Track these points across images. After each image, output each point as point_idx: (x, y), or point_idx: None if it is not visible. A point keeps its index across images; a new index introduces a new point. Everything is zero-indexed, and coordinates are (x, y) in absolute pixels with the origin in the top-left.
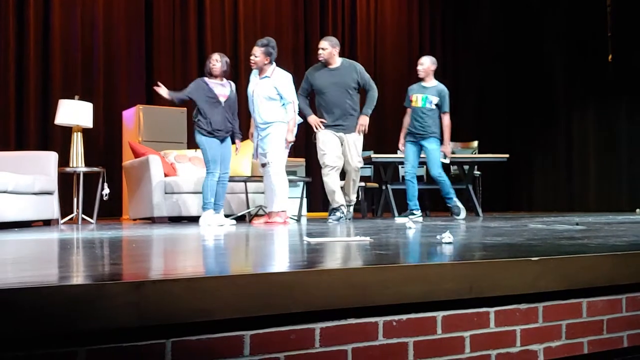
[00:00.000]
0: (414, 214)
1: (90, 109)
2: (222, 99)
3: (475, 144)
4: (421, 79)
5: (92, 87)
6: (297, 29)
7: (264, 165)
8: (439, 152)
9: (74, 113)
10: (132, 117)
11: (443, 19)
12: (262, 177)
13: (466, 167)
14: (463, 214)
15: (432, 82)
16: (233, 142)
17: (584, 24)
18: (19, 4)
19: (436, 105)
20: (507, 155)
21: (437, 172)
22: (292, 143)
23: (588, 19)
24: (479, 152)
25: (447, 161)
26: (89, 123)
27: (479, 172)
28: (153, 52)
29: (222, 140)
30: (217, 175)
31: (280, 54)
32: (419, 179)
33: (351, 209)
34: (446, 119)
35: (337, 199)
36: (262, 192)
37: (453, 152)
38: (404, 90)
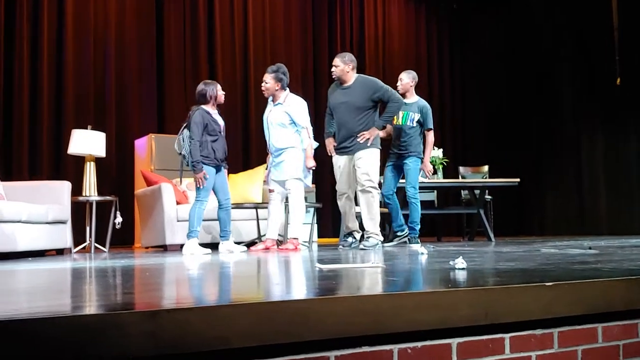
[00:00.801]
0: (397, 236)
1: (103, 139)
2: (222, 130)
3: (486, 168)
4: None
5: (104, 117)
6: (306, 55)
7: (271, 190)
8: (419, 172)
9: (87, 143)
10: (144, 146)
11: (451, 47)
12: None
13: (477, 191)
14: (418, 247)
15: (413, 98)
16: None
17: (592, 45)
18: (33, 34)
19: (418, 122)
20: (518, 180)
21: (412, 192)
22: (313, 168)
23: (596, 40)
24: (490, 176)
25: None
26: (101, 152)
27: (490, 197)
28: (164, 81)
29: (218, 170)
30: (206, 204)
31: (290, 80)
32: (430, 204)
33: (369, 241)
34: (429, 136)
35: (349, 224)
36: None
37: (466, 176)
38: None
